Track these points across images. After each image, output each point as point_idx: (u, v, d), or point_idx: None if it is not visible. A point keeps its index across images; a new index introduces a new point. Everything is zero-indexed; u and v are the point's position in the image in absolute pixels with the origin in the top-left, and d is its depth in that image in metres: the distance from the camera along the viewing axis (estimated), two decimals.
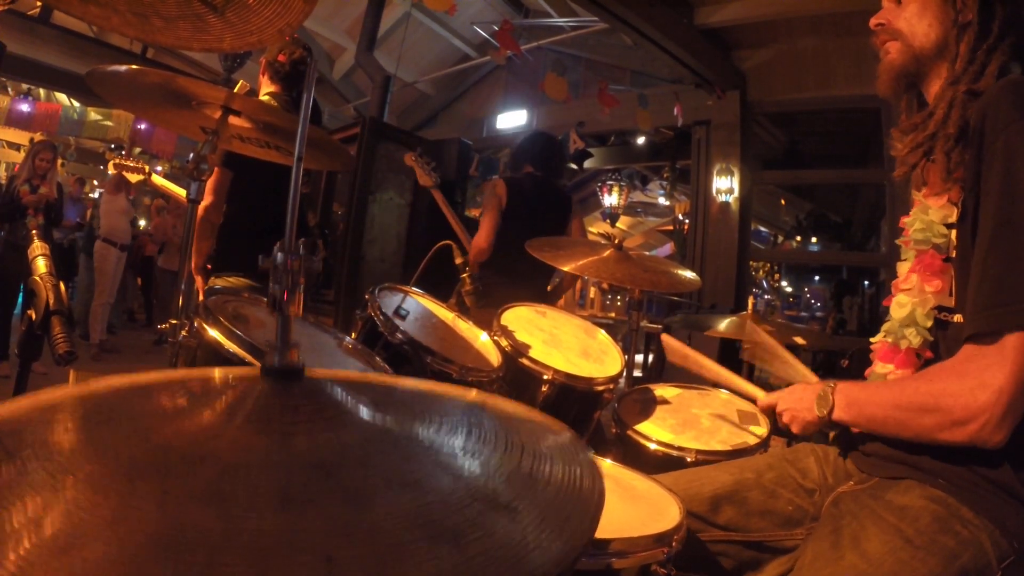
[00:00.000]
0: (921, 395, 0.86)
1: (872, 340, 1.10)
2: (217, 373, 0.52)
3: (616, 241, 1.84)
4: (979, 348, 0.81)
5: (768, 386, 1.28)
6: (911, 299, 0.99)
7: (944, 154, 0.93)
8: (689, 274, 1.90)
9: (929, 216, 0.98)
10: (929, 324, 0.96)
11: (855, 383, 1.01)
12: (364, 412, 0.49)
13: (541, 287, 2.74)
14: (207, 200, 2.09)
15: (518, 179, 2.76)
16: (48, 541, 0.30)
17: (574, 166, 7.50)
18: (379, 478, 0.40)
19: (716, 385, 1.46)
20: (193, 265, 2.15)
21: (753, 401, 1.27)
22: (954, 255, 0.94)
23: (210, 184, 2.10)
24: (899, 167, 1.03)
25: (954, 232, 0.95)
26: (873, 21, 1.06)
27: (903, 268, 1.04)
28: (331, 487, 0.38)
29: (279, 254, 0.51)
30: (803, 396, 1.05)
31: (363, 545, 0.33)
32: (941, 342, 0.97)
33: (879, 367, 1.05)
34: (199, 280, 2.21)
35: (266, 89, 2.35)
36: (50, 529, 0.31)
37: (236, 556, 0.31)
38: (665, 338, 1.49)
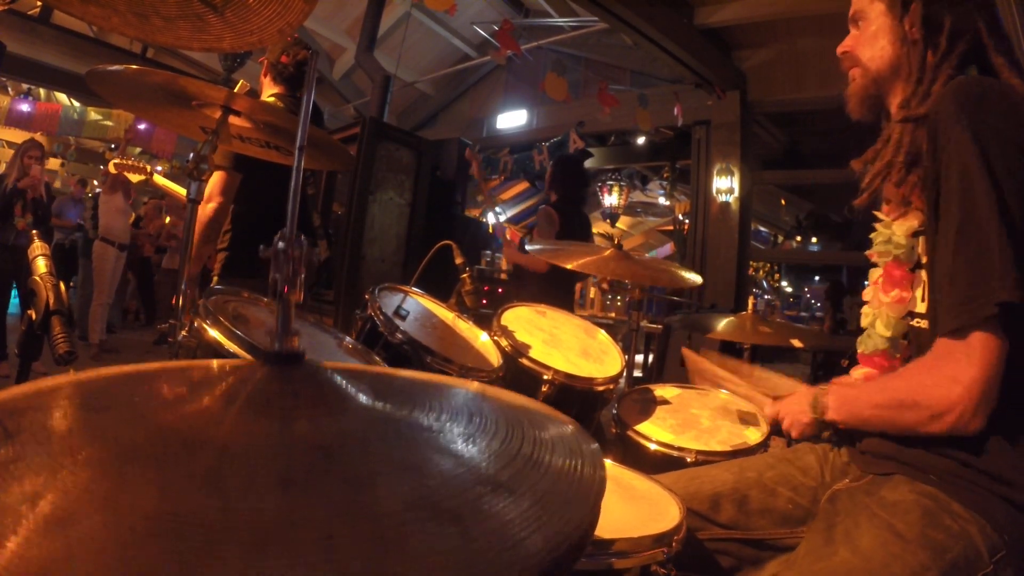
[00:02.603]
0: (901, 392, 0.90)
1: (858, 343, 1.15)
2: (216, 363, 0.52)
3: (616, 241, 1.85)
4: (949, 344, 0.85)
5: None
6: (872, 310, 1.05)
7: (897, 183, 0.97)
8: (687, 273, 1.91)
9: (891, 230, 1.02)
10: (888, 334, 1.02)
11: (845, 386, 1.05)
12: (364, 398, 0.49)
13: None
14: (216, 202, 2.07)
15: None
16: (45, 518, 0.30)
17: None
18: (380, 462, 0.40)
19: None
20: (189, 272, 2.03)
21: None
22: (924, 261, 0.97)
23: (219, 186, 2.09)
24: (861, 193, 1.05)
25: (922, 239, 0.97)
26: (839, 49, 1.12)
27: (872, 278, 1.09)
28: (331, 470, 0.38)
29: (280, 242, 0.51)
30: (799, 400, 1.10)
31: (364, 526, 0.33)
32: (914, 344, 1.00)
33: (856, 371, 1.12)
34: (190, 292, 1.96)
35: (270, 91, 2.32)
36: (48, 507, 0.31)
37: (235, 536, 0.31)
38: (687, 354, 1.48)
